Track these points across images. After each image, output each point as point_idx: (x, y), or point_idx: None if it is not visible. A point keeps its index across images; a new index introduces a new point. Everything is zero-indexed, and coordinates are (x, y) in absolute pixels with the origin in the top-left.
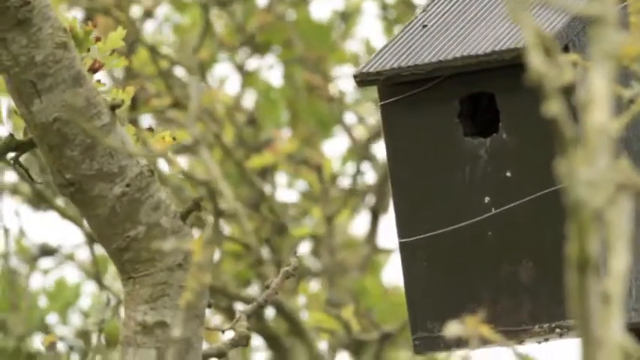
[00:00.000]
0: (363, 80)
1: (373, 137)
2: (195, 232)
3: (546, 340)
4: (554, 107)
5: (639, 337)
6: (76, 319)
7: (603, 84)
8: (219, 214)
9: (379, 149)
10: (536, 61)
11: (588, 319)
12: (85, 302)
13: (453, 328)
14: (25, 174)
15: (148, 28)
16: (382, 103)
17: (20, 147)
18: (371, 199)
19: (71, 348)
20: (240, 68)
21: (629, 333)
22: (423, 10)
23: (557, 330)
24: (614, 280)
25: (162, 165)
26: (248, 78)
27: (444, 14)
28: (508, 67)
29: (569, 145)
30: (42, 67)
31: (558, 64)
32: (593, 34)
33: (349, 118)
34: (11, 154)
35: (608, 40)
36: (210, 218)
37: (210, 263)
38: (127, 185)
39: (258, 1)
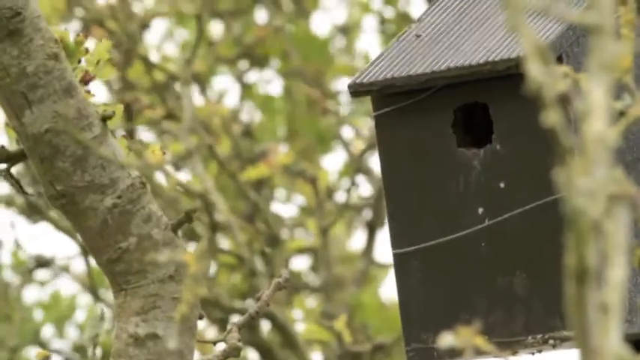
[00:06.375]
0: (356, 91)
1: (369, 149)
2: (188, 244)
3: (539, 351)
4: (552, 117)
5: (634, 348)
6: (72, 333)
7: (601, 94)
8: (214, 226)
9: (376, 163)
10: (535, 71)
11: (587, 330)
12: (80, 315)
13: (446, 339)
14: (16, 185)
15: (150, 42)
16: (376, 113)
17: (12, 158)
18: (368, 214)
19: None
20: (239, 79)
21: (626, 344)
22: (417, 21)
23: (551, 341)
24: (613, 290)
25: (155, 177)
26: (247, 91)
27: (437, 24)
28: (502, 77)
29: (568, 155)
30: (33, 78)
31: (555, 74)
32: (590, 45)
33: (346, 132)
34: (2, 166)
35: (606, 50)
36: (204, 230)
37: (205, 275)
38: (119, 197)
39: (256, 16)
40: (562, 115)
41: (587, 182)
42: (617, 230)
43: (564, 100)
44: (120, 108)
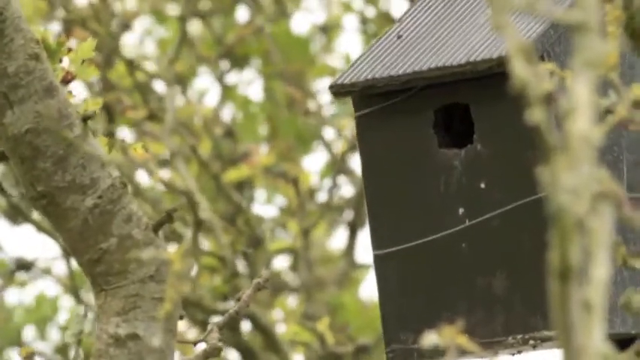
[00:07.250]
0: (337, 92)
1: (351, 151)
2: (169, 245)
3: (519, 352)
4: (537, 115)
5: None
6: (54, 335)
7: (586, 92)
8: (198, 224)
9: (357, 164)
10: (519, 69)
11: (570, 328)
12: (63, 317)
13: (430, 338)
14: None
15: (129, 41)
16: (357, 114)
17: None
18: (349, 214)
19: None
20: (219, 80)
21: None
22: (398, 21)
23: (531, 341)
24: (596, 289)
25: (136, 177)
26: (227, 92)
27: (418, 25)
28: (483, 77)
29: (552, 153)
30: (14, 79)
31: (539, 72)
32: (575, 42)
33: (328, 133)
34: None
35: (591, 48)
36: (187, 230)
37: (188, 274)
38: (99, 197)
39: (237, 15)
40: (547, 114)
41: (571, 180)
42: (601, 228)
43: (549, 99)
44: (99, 101)
